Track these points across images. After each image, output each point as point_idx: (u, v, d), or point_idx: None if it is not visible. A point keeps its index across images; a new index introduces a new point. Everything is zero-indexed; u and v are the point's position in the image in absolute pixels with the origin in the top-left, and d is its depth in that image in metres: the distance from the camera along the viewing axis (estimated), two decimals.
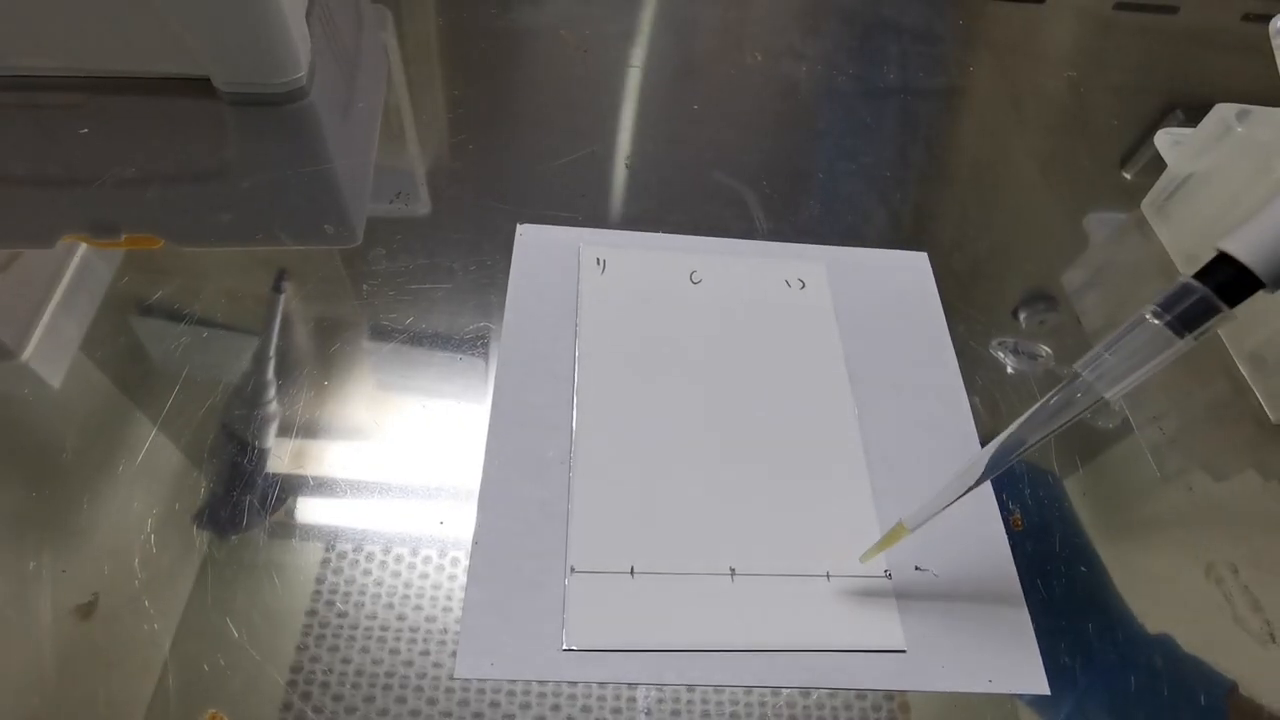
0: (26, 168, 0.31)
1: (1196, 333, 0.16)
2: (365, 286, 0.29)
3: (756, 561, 0.24)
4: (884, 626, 0.23)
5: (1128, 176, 0.40)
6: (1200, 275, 0.16)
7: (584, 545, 0.23)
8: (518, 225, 0.31)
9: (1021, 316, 0.33)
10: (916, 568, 0.24)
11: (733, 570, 0.23)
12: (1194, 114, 0.44)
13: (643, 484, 0.25)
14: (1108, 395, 0.17)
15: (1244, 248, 0.15)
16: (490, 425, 0.26)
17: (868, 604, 0.23)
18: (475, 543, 0.23)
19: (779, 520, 0.25)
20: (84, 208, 0.30)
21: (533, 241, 0.31)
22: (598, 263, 0.30)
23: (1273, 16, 0.55)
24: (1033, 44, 0.49)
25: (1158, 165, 0.37)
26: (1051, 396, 0.18)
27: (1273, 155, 0.31)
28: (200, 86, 0.34)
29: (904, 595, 0.23)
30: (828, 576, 0.24)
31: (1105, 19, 0.52)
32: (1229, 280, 0.15)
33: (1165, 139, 0.36)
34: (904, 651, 0.22)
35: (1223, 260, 0.15)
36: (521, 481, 0.25)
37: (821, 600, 0.23)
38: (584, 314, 0.29)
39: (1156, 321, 0.16)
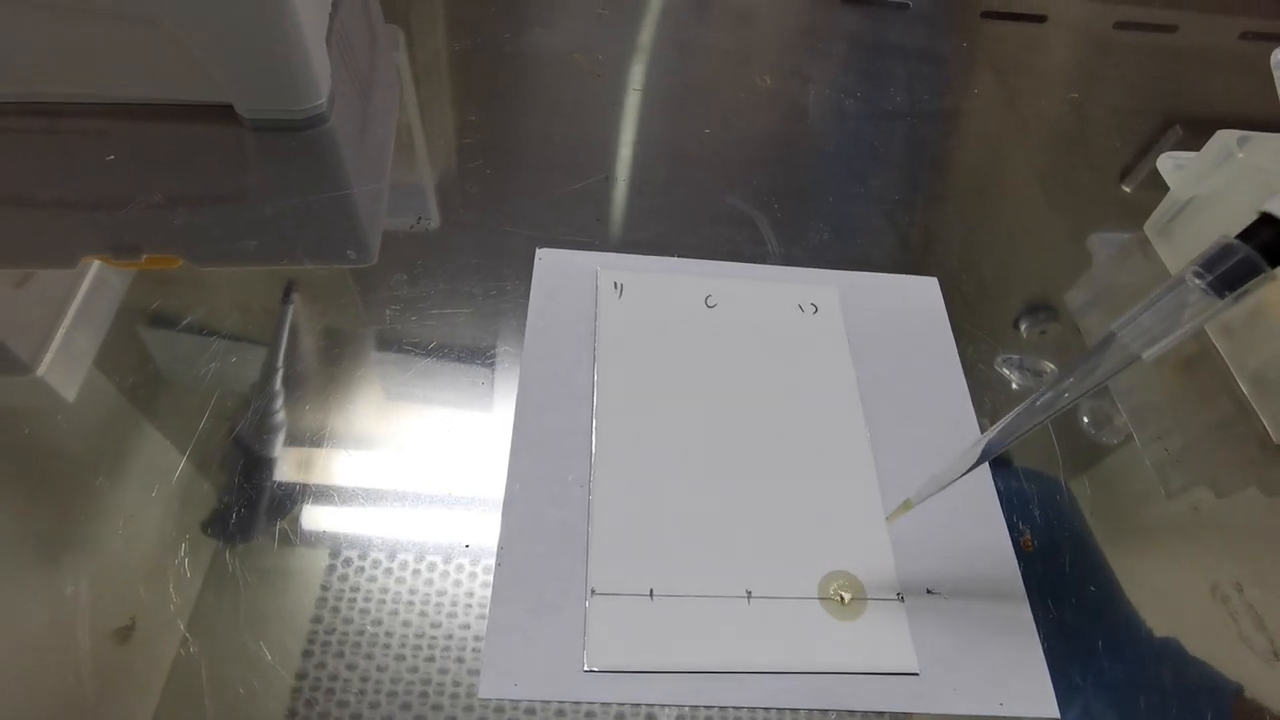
0: (53, 192, 0.32)
1: (1237, 293, 0.16)
2: (388, 311, 0.30)
3: (772, 584, 0.24)
4: (897, 649, 0.23)
5: (1129, 194, 0.41)
6: (1243, 236, 0.16)
7: (604, 567, 0.24)
8: (537, 249, 0.32)
9: (1023, 327, 0.34)
10: (928, 590, 0.25)
11: (749, 593, 0.24)
12: (1192, 129, 0.45)
13: (661, 507, 0.25)
14: (1145, 355, 0.17)
15: None
16: (512, 448, 0.26)
17: (881, 626, 0.24)
18: (498, 564, 0.24)
19: (794, 543, 0.25)
20: (108, 230, 0.31)
21: (551, 266, 0.31)
22: (615, 287, 0.31)
23: (1269, 36, 0.56)
24: (1035, 64, 0.50)
25: (1160, 184, 0.37)
26: (1088, 356, 0.18)
27: (1273, 180, 0.31)
28: (223, 113, 0.35)
29: (916, 618, 0.24)
30: (842, 600, 0.24)
31: (1105, 38, 0.53)
32: (1272, 240, 0.15)
33: (1168, 163, 0.37)
34: (916, 674, 0.23)
35: (1266, 221, 0.15)
36: (543, 504, 0.25)
37: (836, 623, 0.24)
38: (602, 338, 0.29)
39: (1198, 282, 0.16)
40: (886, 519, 0.25)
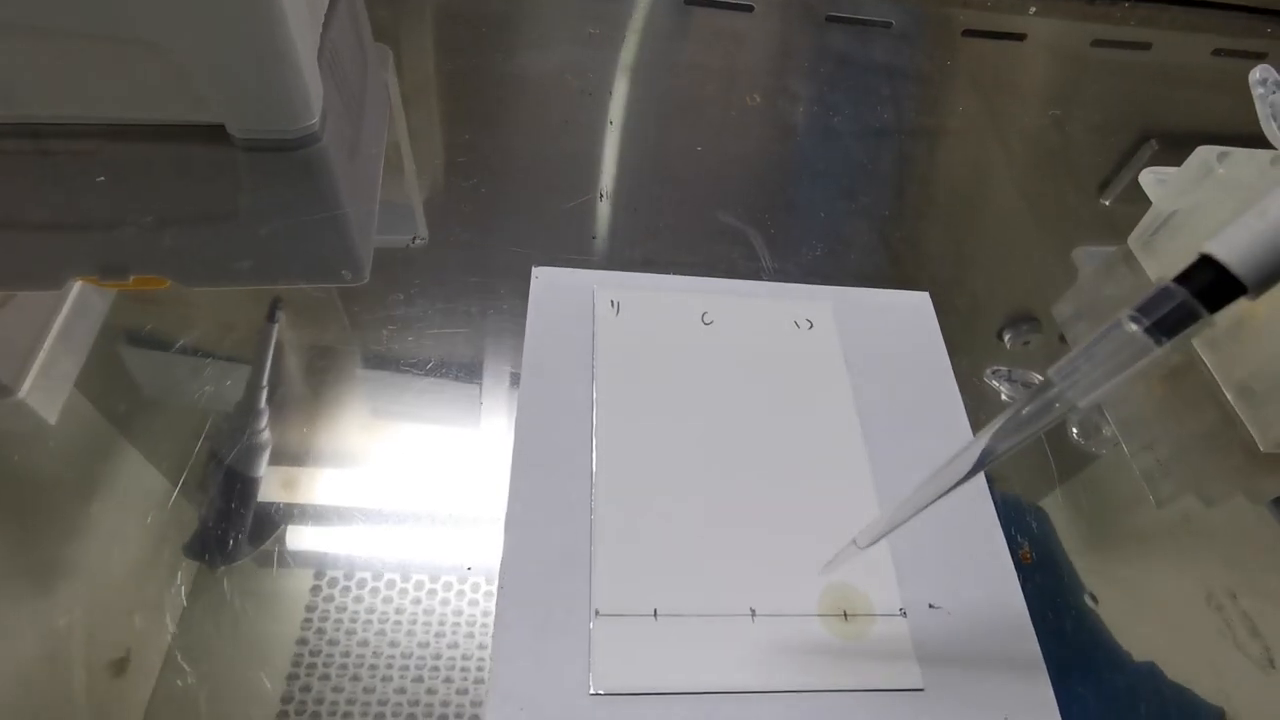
0: (42, 213, 0.32)
1: (1175, 339, 0.15)
2: (385, 331, 0.30)
3: (775, 602, 0.24)
4: (901, 665, 0.23)
5: (1112, 208, 0.42)
6: (1181, 279, 0.15)
7: (608, 588, 0.24)
8: (533, 268, 0.32)
9: (1008, 338, 0.34)
10: (930, 605, 0.25)
11: (753, 611, 0.24)
12: (1169, 143, 0.46)
13: (662, 525, 0.25)
14: (1081, 403, 0.16)
15: (1228, 250, 0.14)
16: (512, 469, 0.26)
17: (885, 643, 0.24)
18: (501, 587, 0.24)
19: (795, 560, 0.25)
20: (97, 252, 0.31)
21: (548, 284, 0.31)
22: (612, 305, 0.31)
23: (1240, 53, 0.57)
24: (1016, 81, 0.51)
25: (1141, 198, 0.38)
26: (1023, 404, 0.17)
27: (1253, 195, 0.32)
28: (214, 133, 0.34)
29: (920, 634, 0.24)
30: (845, 616, 0.24)
31: (1083, 55, 0.54)
32: (1210, 284, 0.15)
33: (1149, 178, 0.37)
34: (922, 690, 0.23)
35: (1205, 263, 0.15)
36: (544, 524, 0.25)
37: (840, 640, 0.24)
38: (600, 356, 0.29)
39: (1134, 327, 0.15)
40: (821, 569, 0.24)
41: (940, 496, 0.19)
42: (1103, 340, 0.16)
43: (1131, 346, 0.15)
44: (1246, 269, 0.14)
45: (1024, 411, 0.17)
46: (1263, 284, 0.14)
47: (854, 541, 0.21)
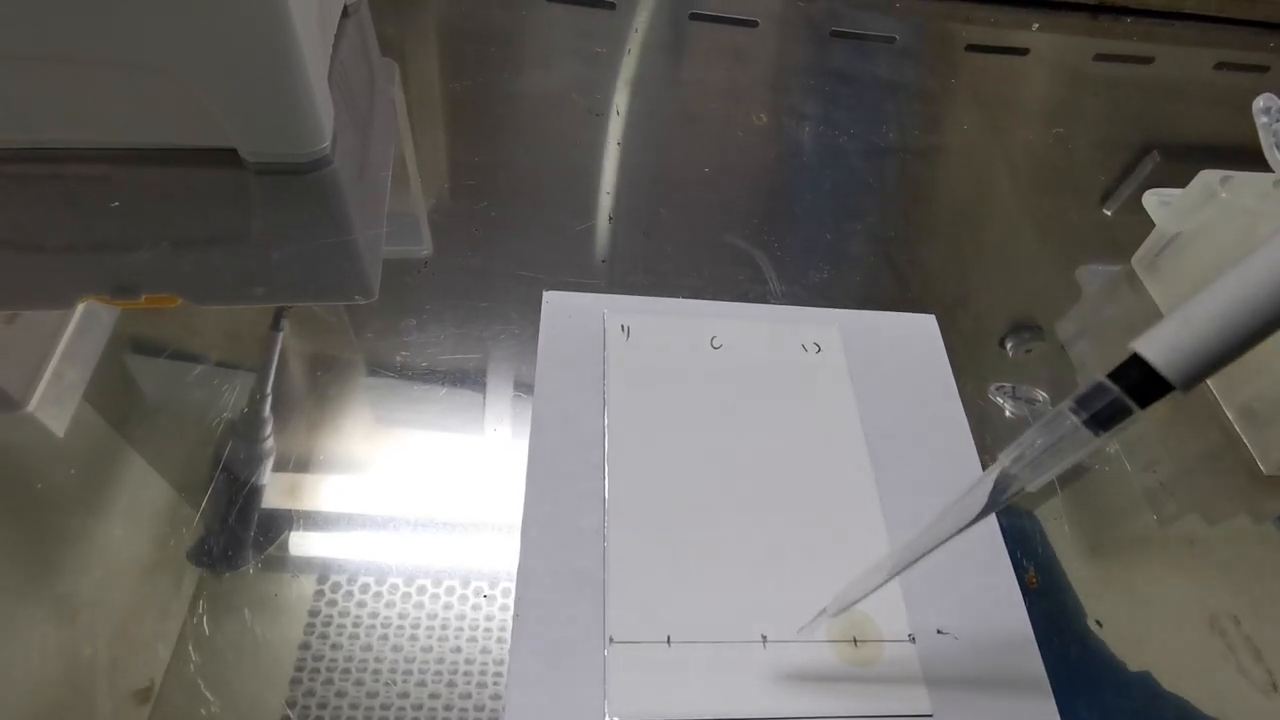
0: (56, 236, 0.32)
1: (1110, 433, 0.16)
2: (399, 357, 0.30)
3: (786, 628, 0.25)
4: (910, 691, 0.24)
5: (1116, 227, 0.42)
6: (1115, 375, 0.16)
7: (622, 615, 0.24)
8: (544, 293, 0.32)
9: (1009, 346, 0.34)
10: (938, 631, 0.25)
11: (764, 637, 0.24)
12: (1173, 158, 0.47)
13: (674, 551, 0.26)
14: (1030, 487, 0.17)
15: (1155, 351, 0.15)
16: (526, 493, 0.26)
17: (893, 669, 0.24)
18: (516, 615, 0.24)
19: (804, 586, 0.26)
20: (108, 272, 0.31)
21: (559, 309, 0.32)
22: (623, 329, 0.31)
23: (1243, 66, 0.58)
24: (1020, 97, 0.51)
25: (1145, 216, 0.39)
26: (972, 490, 0.18)
27: (1255, 219, 0.33)
28: (227, 157, 0.35)
29: (928, 659, 0.24)
30: (854, 642, 0.25)
31: (1085, 70, 0.55)
32: (1140, 382, 0.15)
33: (1153, 200, 0.38)
34: (930, 715, 0.23)
35: (1135, 362, 0.15)
36: (559, 550, 0.25)
37: (849, 666, 0.24)
38: (611, 381, 0.30)
39: (1074, 419, 0.16)
40: (797, 631, 0.24)
41: (899, 573, 0.20)
42: (1047, 428, 0.17)
43: (1073, 436, 0.16)
44: (1173, 370, 0.15)
45: (975, 492, 0.18)
46: (1189, 383, 0.15)
47: (825, 610, 0.23)
